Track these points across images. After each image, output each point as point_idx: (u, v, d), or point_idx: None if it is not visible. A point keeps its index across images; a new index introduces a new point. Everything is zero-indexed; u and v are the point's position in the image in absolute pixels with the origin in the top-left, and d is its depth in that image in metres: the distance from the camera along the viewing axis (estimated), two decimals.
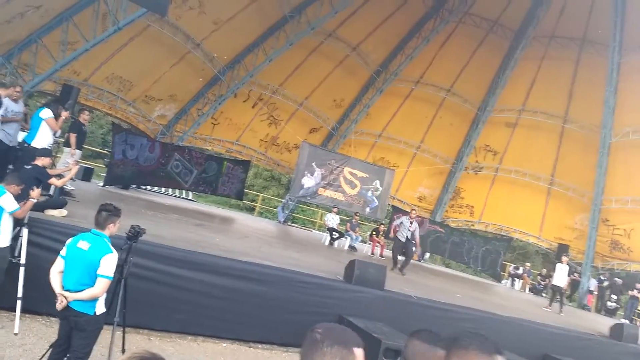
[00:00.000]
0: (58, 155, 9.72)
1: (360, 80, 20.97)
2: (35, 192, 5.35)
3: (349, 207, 18.66)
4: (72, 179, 8.01)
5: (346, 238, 15.78)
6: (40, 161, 6.57)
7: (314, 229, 22.62)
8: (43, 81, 13.72)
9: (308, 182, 17.73)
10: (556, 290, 13.32)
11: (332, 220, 16.14)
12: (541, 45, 19.63)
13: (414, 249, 12.19)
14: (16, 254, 5.29)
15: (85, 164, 15.39)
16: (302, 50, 18.88)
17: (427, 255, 20.98)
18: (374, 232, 16.76)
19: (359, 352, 1.50)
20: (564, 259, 13.65)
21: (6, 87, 7.17)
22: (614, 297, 18.36)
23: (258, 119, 20.27)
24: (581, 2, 17.63)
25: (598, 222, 18.67)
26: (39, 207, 5.80)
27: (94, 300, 3.81)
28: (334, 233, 15.65)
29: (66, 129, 10.10)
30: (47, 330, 5.22)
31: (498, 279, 20.20)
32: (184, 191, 18.50)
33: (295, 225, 22.60)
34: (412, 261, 17.89)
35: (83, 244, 3.84)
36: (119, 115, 17.34)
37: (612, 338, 10.20)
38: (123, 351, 4.48)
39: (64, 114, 8.28)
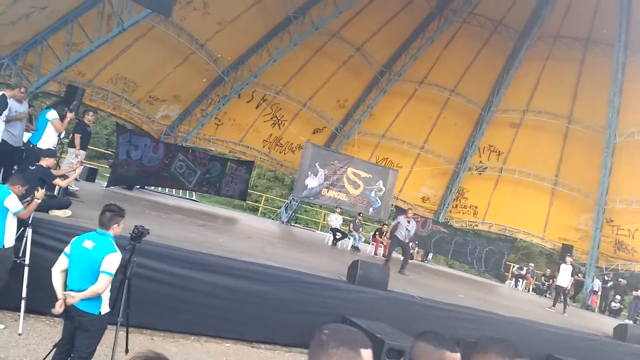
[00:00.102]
0: (62, 156, 9.77)
1: (364, 81, 20.97)
2: (40, 193, 5.38)
3: (352, 207, 18.64)
4: (76, 179, 8.05)
5: (349, 238, 15.79)
6: (45, 162, 6.60)
7: (317, 230, 22.65)
8: (48, 82, 13.79)
9: (311, 182, 17.73)
10: (560, 290, 13.28)
11: (336, 220, 16.16)
12: (546, 46, 19.57)
13: (410, 244, 12.19)
14: (20, 254, 5.32)
15: (90, 164, 15.46)
16: (306, 50, 18.89)
17: (431, 255, 20.97)
18: (377, 233, 16.77)
19: (366, 354, 1.49)
20: (568, 259, 13.62)
21: (12, 88, 7.21)
22: (618, 297, 18.30)
23: (262, 120, 20.30)
24: (586, 2, 17.56)
25: (602, 222, 18.60)
26: (43, 207, 5.83)
27: (98, 300, 3.83)
28: (337, 233, 15.66)
29: (71, 129, 10.15)
30: (51, 331, 5.25)
31: (502, 279, 20.16)
32: (187, 192, 18.55)
33: (299, 225, 22.63)
34: (415, 262, 17.97)
35: (88, 244, 3.86)
36: (123, 116, 17.40)
37: (616, 338, 10.15)
38: (126, 351, 4.50)
39: (69, 116, 8.34)
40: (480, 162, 21.47)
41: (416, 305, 7.98)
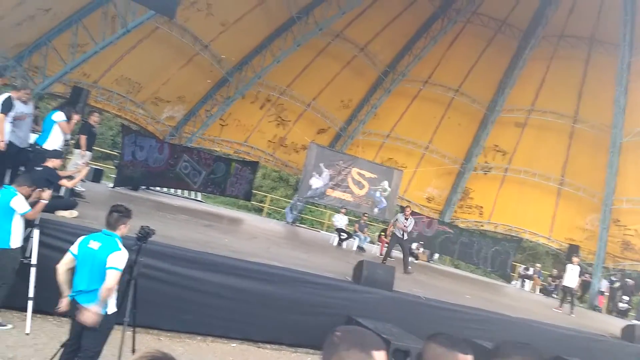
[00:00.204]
0: (68, 157, 9.80)
1: (368, 81, 20.95)
2: (46, 194, 5.39)
3: (357, 207, 18.62)
4: (82, 180, 8.08)
5: (354, 239, 15.76)
6: (51, 163, 6.62)
7: (322, 230, 22.62)
8: (53, 83, 13.87)
9: (316, 182, 17.72)
10: (567, 291, 13.21)
11: (341, 220, 16.13)
12: (550, 45, 19.50)
13: (414, 242, 12.17)
14: (27, 255, 5.33)
15: (95, 165, 15.50)
16: (310, 51, 18.90)
17: (436, 256, 20.91)
18: (382, 233, 16.71)
19: (379, 356, 1.47)
20: (575, 259, 13.54)
21: (17, 89, 7.25)
22: (626, 298, 18.16)
23: (266, 120, 20.33)
24: (590, 1, 17.51)
25: (609, 222, 18.51)
26: (49, 208, 5.84)
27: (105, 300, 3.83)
28: (342, 234, 15.63)
29: (76, 130, 10.18)
30: (58, 330, 5.25)
31: (508, 280, 20.07)
32: (192, 192, 18.57)
33: (304, 226, 22.61)
34: (421, 262, 17.94)
35: (94, 244, 3.87)
36: (128, 116, 17.46)
37: (624, 339, 10.08)
38: (133, 351, 4.49)
39: (76, 117, 8.37)
40: (486, 162, 21.41)
41: (422, 306, 7.95)
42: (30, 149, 7.72)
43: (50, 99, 19.64)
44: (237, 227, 14.22)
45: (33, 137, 7.90)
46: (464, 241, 19.63)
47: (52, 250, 5.54)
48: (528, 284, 19.42)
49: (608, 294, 19.07)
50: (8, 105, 6.77)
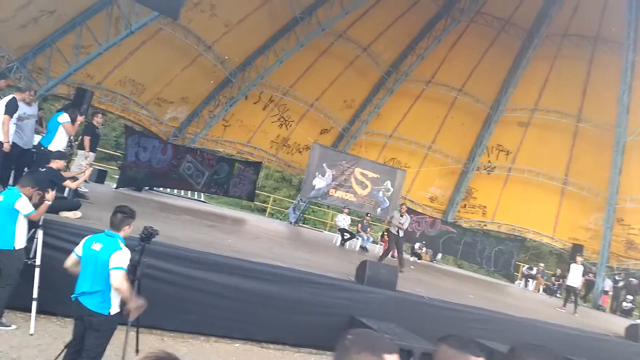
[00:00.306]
0: (72, 158, 9.85)
1: (371, 81, 20.94)
2: (50, 195, 5.42)
3: (360, 207, 18.60)
4: (85, 181, 8.11)
5: (357, 239, 15.77)
6: (55, 164, 6.66)
7: (325, 230, 22.64)
8: (57, 85, 13.92)
9: (319, 183, 17.71)
10: (571, 290, 13.18)
11: (343, 221, 16.14)
12: (554, 44, 19.44)
13: (402, 234, 12.18)
14: (31, 256, 5.37)
15: (99, 166, 15.57)
16: (313, 51, 18.90)
17: (439, 255, 20.89)
18: (385, 233, 16.72)
19: (390, 359, 1.47)
20: (579, 259, 13.50)
21: (22, 91, 7.29)
22: (630, 297, 18.10)
23: (269, 121, 20.34)
24: (595, 0, 17.43)
25: (613, 221, 18.45)
26: (53, 209, 5.88)
27: (108, 300, 3.85)
28: (345, 234, 15.65)
29: (80, 131, 10.23)
30: (62, 331, 5.28)
31: (511, 279, 20.03)
32: (195, 193, 18.62)
33: (306, 226, 22.64)
34: (424, 262, 17.93)
35: (96, 246, 3.89)
36: (132, 117, 17.51)
37: (628, 339, 10.06)
38: (137, 351, 4.52)
39: (80, 119, 8.42)
40: (489, 161, 21.36)
41: (425, 306, 7.95)
42: (34, 150, 7.77)
43: (54, 101, 19.73)
44: (240, 228, 14.25)
45: (37, 139, 7.95)
46: (467, 241, 19.60)
47: (56, 251, 5.59)
48: (531, 283, 19.38)
49: (612, 293, 19.01)
50: (13, 107, 6.81)
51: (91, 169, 8.50)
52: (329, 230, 22.02)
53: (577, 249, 18.41)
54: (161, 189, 16.64)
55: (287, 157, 21.29)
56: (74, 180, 7.24)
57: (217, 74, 18.05)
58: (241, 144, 20.36)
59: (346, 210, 16.83)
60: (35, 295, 5.15)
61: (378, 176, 18.72)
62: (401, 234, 12.06)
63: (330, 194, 18.01)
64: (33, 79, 13.37)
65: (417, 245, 18.30)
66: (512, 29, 19.94)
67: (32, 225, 5.36)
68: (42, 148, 7.68)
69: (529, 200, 20.71)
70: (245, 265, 6.72)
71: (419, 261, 17.61)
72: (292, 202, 22.63)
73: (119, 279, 3.81)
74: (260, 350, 6.52)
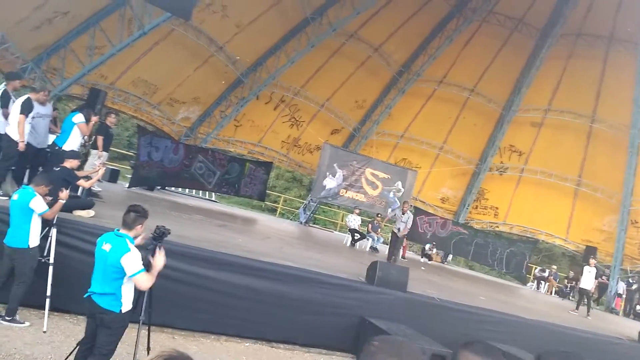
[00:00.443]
0: (87, 157, 9.96)
1: (382, 81, 20.89)
2: (64, 194, 5.48)
3: (371, 208, 18.59)
4: (98, 180, 8.19)
5: (368, 239, 15.73)
6: (69, 163, 6.73)
7: (335, 230, 22.63)
8: (71, 85, 14.07)
9: (330, 183, 17.72)
10: (583, 293, 13.04)
11: (354, 221, 16.12)
12: (568, 44, 19.23)
13: (400, 229, 12.18)
14: (45, 254, 5.43)
15: (112, 165, 15.71)
16: (324, 51, 18.91)
17: (450, 257, 20.77)
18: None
19: None
20: (592, 261, 13.37)
21: (36, 91, 7.38)
22: None
23: (280, 121, 20.39)
24: None
25: (627, 223, 18.22)
26: (67, 208, 5.95)
27: (119, 298, 3.88)
28: (355, 234, 15.62)
29: (93, 131, 10.33)
30: (75, 328, 5.34)
31: (523, 281, 19.86)
32: (207, 192, 18.71)
33: (317, 226, 22.64)
34: (435, 263, 17.84)
35: (106, 246, 3.90)
36: (144, 117, 17.66)
37: None
38: (148, 349, 4.55)
39: (94, 119, 8.51)
40: (501, 162, 21.20)
41: (436, 307, 7.90)
42: (48, 149, 7.86)
43: (68, 101, 19.95)
44: (250, 227, 14.30)
45: (51, 138, 8.04)
46: (479, 242, 19.46)
47: (69, 249, 5.66)
48: (544, 285, 19.20)
49: (625, 296, 18.77)
50: (28, 107, 6.90)
51: (104, 168, 8.60)
52: (339, 231, 22.01)
53: (590, 251, 18.22)
54: (173, 188, 16.75)
55: (298, 157, 21.32)
56: (88, 180, 7.31)
57: (229, 74, 18.12)
58: (252, 144, 20.43)
59: (357, 211, 16.81)
60: (48, 293, 5.21)
61: (389, 177, 18.69)
62: (401, 231, 12.04)
63: (340, 194, 18.02)
64: (47, 79, 13.54)
65: (427, 246, 18.22)
66: (525, 29, 19.76)
67: (46, 223, 5.43)
68: (56, 147, 7.77)
69: (542, 201, 20.52)
70: (256, 265, 6.74)
71: (429, 262, 17.53)
72: (303, 202, 22.65)
73: (144, 283, 3.89)
74: (270, 350, 6.53)
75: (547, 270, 20.18)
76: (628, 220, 18.21)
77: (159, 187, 15.65)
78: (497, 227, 21.41)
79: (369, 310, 7.27)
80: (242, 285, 6.50)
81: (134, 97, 16.76)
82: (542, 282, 19.31)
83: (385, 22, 18.98)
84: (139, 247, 4.03)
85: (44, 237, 5.44)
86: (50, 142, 7.95)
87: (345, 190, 18.07)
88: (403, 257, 15.64)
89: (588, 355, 8.52)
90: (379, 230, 16.58)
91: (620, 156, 18.17)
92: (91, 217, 6.70)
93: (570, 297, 17.67)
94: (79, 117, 7.96)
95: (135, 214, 4.03)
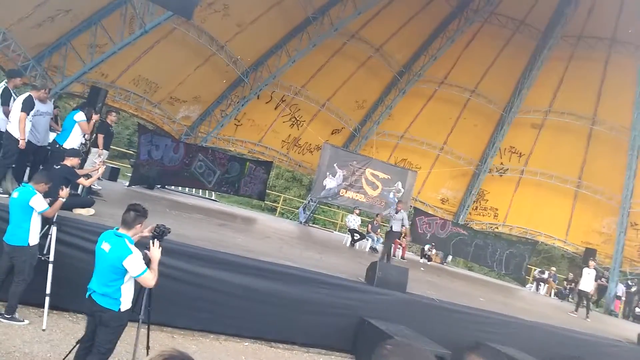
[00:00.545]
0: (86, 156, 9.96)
1: (383, 81, 20.89)
2: (64, 192, 5.48)
3: (371, 208, 18.59)
4: (99, 178, 8.19)
5: (367, 239, 15.72)
6: (69, 161, 6.73)
7: (335, 230, 22.63)
8: (72, 83, 14.07)
9: (329, 183, 17.73)
10: (583, 295, 13.03)
11: (354, 221, 16.11)
12: (569, 45, 19.24)
13: (393, 227, 12.20)
14: (45, 252, 5.43)
15: (112, 164, 15.71)
16: (325, 51, 18.91)
17: (450, 258, 20.77)
18: None
19: None
20: (591, 263, 13.35)
21: (37, 89, 7.37)
22: None
23: (280, 120, 20.39)
24: (610, 1, 17.21)
25: (627, 226, 18.22)
26: (67, 206, 5.94)
27: (118, 296, 3.88)
28: (355, 234, 15.62)
29: (94, 129, 10.33)
30: (74, 327, 5.34)
31: (522, 283, 19.86)
32: (207, 191, 18.71)
33: (316, 226, 22.65)
34: (434, 264, 17.84)
35: (105, 246, 3.89)
36: (145, 116, 17.66)
37: None
38: (147, 348, 4.55)
39: (95, 117, 8.50)
40: (501, 163, 21.19)
41: (435, 308, 7.90)
42: (49, 147, 7.86)
43: (68, 98, 19.96)
44: (250, 227, 14.30)
45: (52, 136, 8.04)
46: (479, 243, 19.47)
47: (69, 248, 5.66)
48: (543, 287, 19.20)
49: (624, 298, 18.77)
50: (29, 105, 6.89)
51: (104, 166, 8.59)
52: (339, 231, 22.01)
53: (589, 253, 18.21)
54: (173, 187, 16.75)
55: (298, 157, 21.32)
56: (88, 178, 7.31)
57: (230, 73, 18.12)
58: (252, 144, 20.43)
59: (357, 211, 16.80)
60: (48, 291, 5.21)
61: (389, 177, 18.70)
62: (395, 228, 12.05)
63: (340, 194, 18.02)
64: (48, 77, 13.53)
65: (427, 247, 18.22)
66: (526, 30, 19.76)
67: (46, 221, 5.42)
68: (57, 145, 7.76)
69: (542, 203, 20.52)
70: (255, 265, 6.74)
71: (429, 263, 17.53)
72: (303, 202, 22.65)
73: (150, 281, 3.92)
74: (269, 350, 6.53)
75: (547, 272, 20.16)
76: (628, 222, 18.21)
77: (158, 186, 15.66)
78: (497, 228, 21.42)
79: (368, 310, 7.27)
80: (241, 284, 6.49)
81: (135, 96, 16.76)
82: (542, 284, 19.30)
83: (386, 22, 18.98)
84: (137, 244, 4.02)
85: (44, 236, 5.44)
86: (50, 140, 7.94)
87: (345, 191, 18.07)
88: (402, 257, 15.63)
89: (587, 357, 8.54)
90: (379, 230, 16.57)
91: (620, 158, 18.18)
92: (91, 215, 6.70)
93: (570, 299, 17.66)
94: (80, 116, 7.96)
95: (135, 213, 4.02)
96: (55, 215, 5.46)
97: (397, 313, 7.43)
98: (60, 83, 13.66)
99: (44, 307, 5.19)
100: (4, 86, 7.26)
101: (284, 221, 20.38)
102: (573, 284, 17.68)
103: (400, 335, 6.32)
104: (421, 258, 17.96)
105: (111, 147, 11.49)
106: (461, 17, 19.61)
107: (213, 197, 19.64)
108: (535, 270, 20.95)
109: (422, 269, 14.49)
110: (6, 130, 6.88)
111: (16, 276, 5.13)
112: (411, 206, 20.36)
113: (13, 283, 5.12)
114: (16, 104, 6.87)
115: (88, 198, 7.49)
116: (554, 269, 21.41)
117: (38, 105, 7.18)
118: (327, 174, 17.74)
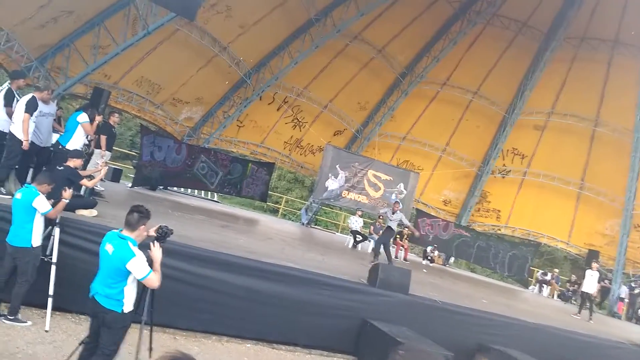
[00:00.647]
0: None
1: (385, 83, 20.89)
2: (67, 193, 5.48)
3: (373, 210, 18.57)
4: (101, 179, 8.20)
5: (370, 241, 15.69)
6: (72, 162, 6.73)
7: (337, 232, 22.60)
8: (75, 84, 14.10)
9: (332, 184, 17.73)
10: (586, 297, 13.00)
11: (356, 223, 16.09)
12: (571, 47, 19.21)
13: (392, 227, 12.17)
14: (48, 253, 5.43)
15: (114, 165, 15.73)
16: (328, 52, 18.92)
17: (452, 259, 20.74)
18: (397, 236, 16.61)
19: None
20: (594, 265, 13.31)
21: (40, 90, 7.39)
22: None
23: (283, 122, 20.40)
24: (613, 3, 17.19)
25: (630, 227, 18.15)
26: (70, 207, 5.95)
27: (121, 298, 3.88)
28: (357, 236, 15.60)
29: (96, 130, 10.34)
30: (77, 328, 5.34)
31: (525, 284, 19.81)
32: (209, 192, 18.72)
33: (319, 227, 22.62)
34: (436, 265, 17.81)
35: (109, 247, 3.89)
36: (147, 117, 17.69)
37: None
38: (150, 350, 4.55)
39: (98, 118, 8.52)
40: (504, 165, 21.16)
41: (438, 310, 7.88)
42: (52, 148, 7.87)
43: (71, 100, 20.00)
44: (252, 228, 14.29)
45: (55, 137, 8.05)
46: (481, 245, 19.42)
47: (72, 249, 5.66)
48: (546, 289, 19.14)
49: (628, 300, 18.69)
50: (33, 106, 6.90)
51: (107, 167, 8.60)
52: (341, 232, 21.98)
53: (592, 255, 18.16)
54: (175, 188, 16.76)
55: (300, 158, 21.32)
56: (91, 179, 7.31)
57: (232, 74, 18.15)
58: (255, 145, 20.44)
59: (359, 212, 16.78)
60: (51, 292, 5.21)
61: (391, 178, 18.70)
62: (392, 227, 12.02)
63: (342, 195, 18.02)
64: (51, 78, 13.57)
65: (429, 249, 18.19)
66: (529, 32, 19.74)
67: (49, 223, 5.43)
68: (60, 147, 7.78)
69: (544, 204, 20.49)
70: (257, 266, 6.73)
71: (431, 265, 17.50)
72: (305, 203, 22.64)
73: (155, 282, 3.94)
74: (271, 351, 6.53)
75: (549, 274, 20.09)
76: (631, 224, 18.15)
77: (161, 187, 15.66)
78: (499, 230, 21.37)
79: (370, 312, 7.26)
80: (243, 285, 6.49)
81: (137, 97, 16.80)
82: (544, 286, 19.24)
83: (389, 23, 18.99)
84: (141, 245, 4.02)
85: (47, 237, 5.44)
86: (53, 141, 7.95)
87: (347, 192, 18.07)
88: (405, 259, 15.61)
89: (591, 359, 8.51)
90: (381, 232, 16.53)
91: (623, 160, 18.13)
92: (94, 216, 6.70)
93: (573, 301, 17.60)
94: (83, 117, 7.98)
95: (138, 215, 4.01)
96: (58, 217, 5.47)
97: (399, 315, 7.41)
98: (63, 84, 13.70)
99: (46, 308, 5.20)
100: (7, 87, 7.28)
101: (286, 222, 20.37)
102: (576, 286, 17.63)
103: (402, 337, 6.30)
104: (423, 260, 17.93)
105: (114, 148, 11.50)
106: (464, 19, 19.62)
107: (215, 199, 19.65)
108: (538, 272, 20.89)
109: (424, 270, 14.46)
110: (9, 131, 6.89)
111: (19, 277, 5.13)
112: (413, 207, 20.33)
113: (16, 284, 5.12)
114: (19, 105, 6.88)
115: (91, 199, 7.50)
116: (556, 270, 21.33)
117: (41, 107, 7.19)
118: (330, 175, 17.74)
